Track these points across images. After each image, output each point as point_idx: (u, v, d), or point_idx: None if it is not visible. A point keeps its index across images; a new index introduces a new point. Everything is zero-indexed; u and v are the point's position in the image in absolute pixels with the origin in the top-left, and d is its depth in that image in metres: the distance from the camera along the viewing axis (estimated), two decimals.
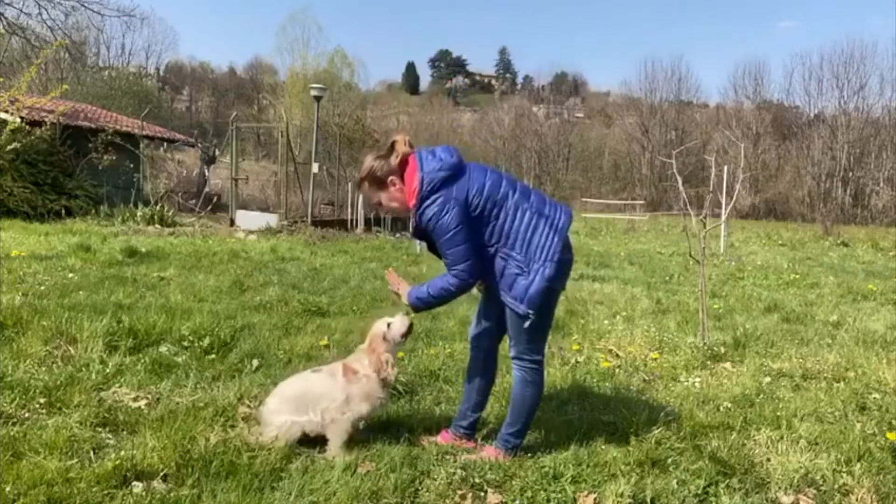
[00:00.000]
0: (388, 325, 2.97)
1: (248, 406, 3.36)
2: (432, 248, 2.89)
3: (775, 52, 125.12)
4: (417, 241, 3.00)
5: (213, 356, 4.18)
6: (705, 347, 4.89)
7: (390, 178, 2.81)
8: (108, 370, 3.73)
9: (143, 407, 3.28)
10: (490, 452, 2.96)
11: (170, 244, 10.31)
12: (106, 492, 2.40)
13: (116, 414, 3.14)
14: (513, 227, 2.76)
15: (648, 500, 2.59)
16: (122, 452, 2.68)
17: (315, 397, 2.91)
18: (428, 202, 2.70)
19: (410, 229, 2.92)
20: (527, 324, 2.78)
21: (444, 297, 2.81)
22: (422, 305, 2.88)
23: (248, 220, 14.88)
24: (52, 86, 18.91)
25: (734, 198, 8.14)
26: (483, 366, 3.12)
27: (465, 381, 3.21)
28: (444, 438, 3.12)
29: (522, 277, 2.74)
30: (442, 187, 2.70)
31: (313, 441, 2.92)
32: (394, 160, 2.79)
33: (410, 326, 3.02)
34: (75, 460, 2.62)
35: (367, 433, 3.04)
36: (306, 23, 37.91)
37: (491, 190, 2.76)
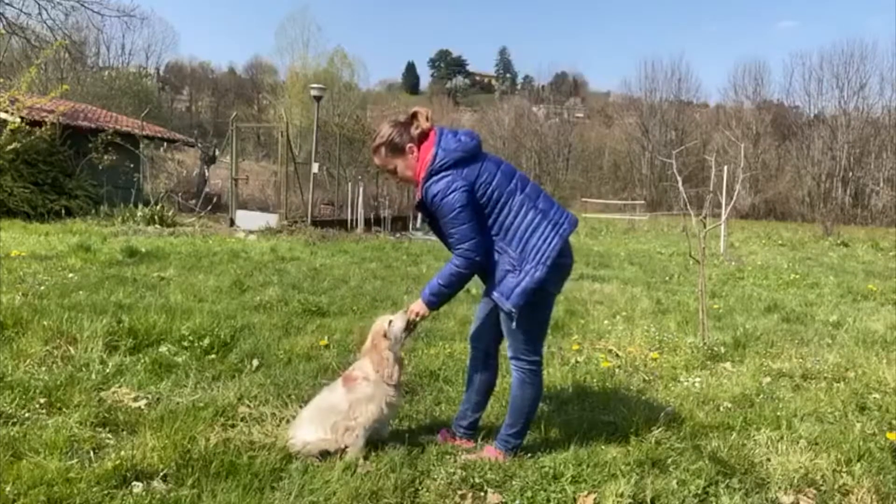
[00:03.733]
0: (390, 322, 2.95)
1: (248, 406, 3.36)
2: (436, 229, 2.88)
3: (775, 52, 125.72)
4: (418, 231, 2.98)
5: (213, 356, 4.18)
6: (705, 347, 4.89)
7: (409, 145, 2.79)
8: (108, 370, 3.73)
9: (143, 407, 3.28)
10: (490, 452, 2.96)
11: (170, 244, 10.31)
12: (106, 492, 2.40)
13: (116, 414, 3.14)
14: (513, 223, 2.75)
15: (648, 500, 2.59)
16: (122, 452, 2.68)
17: (324, 414, 2.90)
18: (436, 178, 2.70)
19: (415, 202, 2.90)
20: (513, 323, 2.77)
21: (455, 283, 2.77)
22: (437, 300, 2.83)
23: (248, 220, 14.88)
24: (52, 86, 18.87)
25: (734, 198, 8.14)
26: (483, 366, 3.12)
27: (466, 381, 3.21)
28: (443, 438, 3.12)
29: (512, 275, 2.73)
30: (453, 167, 2.69)
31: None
32: (414, 131, 2.78)
33: (412, 323, 2.99)
34: (75, 460, 2.62)
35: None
36: (306, 23, 37.99)
37: (500, 182, 2.75)
